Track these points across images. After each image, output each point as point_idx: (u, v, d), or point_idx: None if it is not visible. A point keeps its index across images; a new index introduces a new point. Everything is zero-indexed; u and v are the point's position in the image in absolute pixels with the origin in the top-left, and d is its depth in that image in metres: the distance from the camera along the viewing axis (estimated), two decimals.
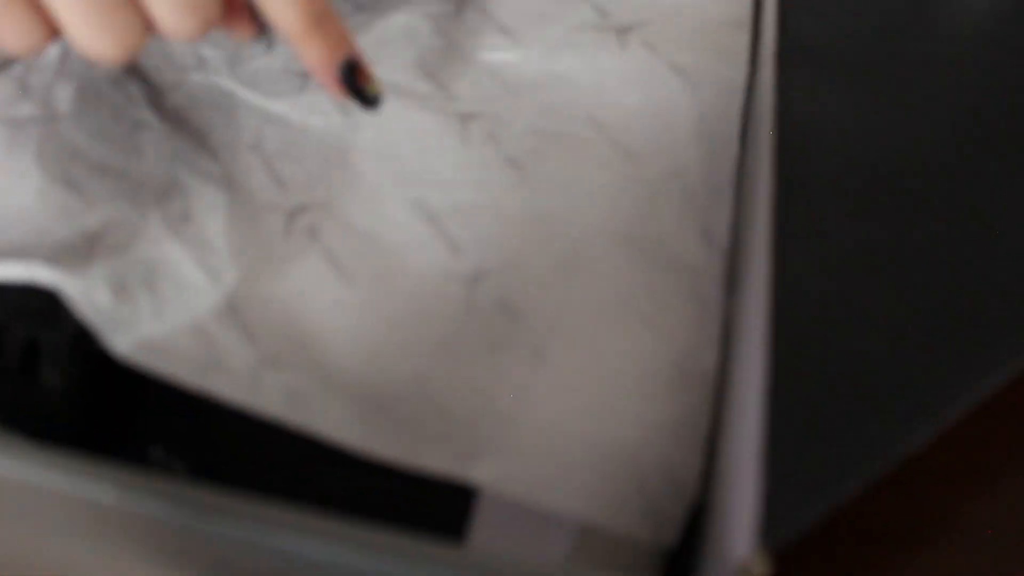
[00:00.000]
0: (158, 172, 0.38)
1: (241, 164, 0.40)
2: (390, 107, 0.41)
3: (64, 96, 0.40)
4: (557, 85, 0.42)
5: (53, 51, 0.41)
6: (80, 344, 0.33)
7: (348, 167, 0.40)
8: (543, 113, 0.41)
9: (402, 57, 0.43)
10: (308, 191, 0.39)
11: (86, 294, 0.32)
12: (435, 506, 0.33)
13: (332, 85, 0.36)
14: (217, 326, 0.34)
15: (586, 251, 0.37)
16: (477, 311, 0.36)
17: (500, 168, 0.39)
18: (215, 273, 0.36)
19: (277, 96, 0.42)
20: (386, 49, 0.43)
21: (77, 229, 0.34)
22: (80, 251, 0.34)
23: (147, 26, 0.31)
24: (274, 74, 0.43)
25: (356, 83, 0.36)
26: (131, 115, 0.40)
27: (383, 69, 0.42)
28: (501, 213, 0.38)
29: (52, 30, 0.31)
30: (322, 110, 0.41)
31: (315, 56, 0.35)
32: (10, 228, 0.34)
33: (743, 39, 0.43)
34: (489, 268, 0.36)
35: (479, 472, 0.30)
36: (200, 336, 0.33)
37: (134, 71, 0.42)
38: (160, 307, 0.33)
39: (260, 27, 0.35)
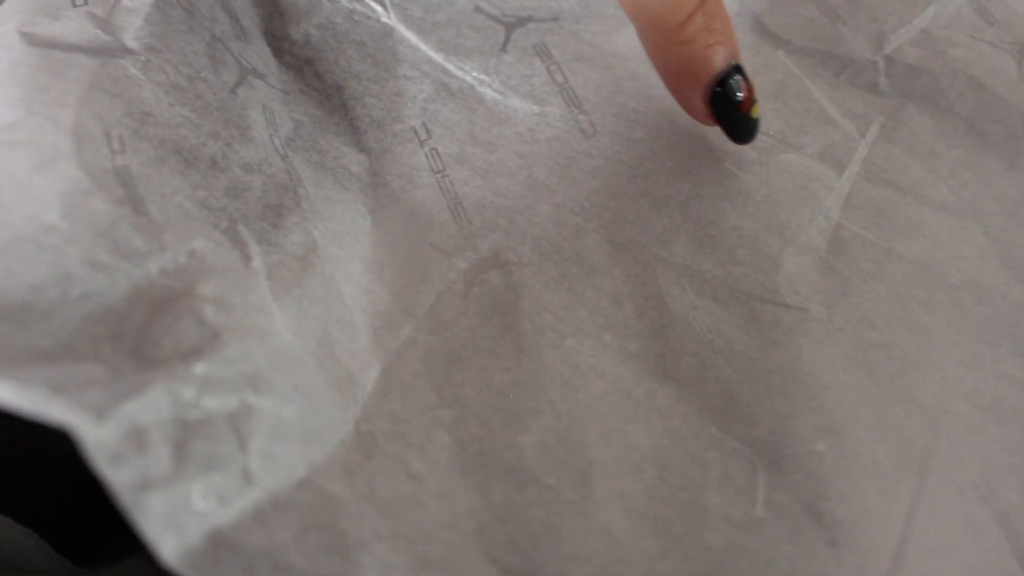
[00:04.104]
0: (272, 168, 0.22)
1: (397, 160, 0.24)
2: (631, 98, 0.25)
3: (134, 11, 0.23)
4: None
5: None
6: None
7: (568, 194, 0.23)
8: None
9: None
10: (503, 231, 0.23)
11: (121, 453, 0.16)
12: None
13: (695, 101, 0.23)
14: (342, 489, 0.18)
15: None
16: (774, 507, 0.20)
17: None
18: (349, 377, 0.20)
19: (462, 53, 0.25)
20: None
21: (127, 284, 0.18)
22: (125, 336, 0.18)
23: None
24: (461, 12, 0.26)
25: (734, 104, 0.22)
26: (235, 54, 0.23)
27: None
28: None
29: None
30: (533, 89, 0.24)
31: (682, 55, 0.22)
32: (4, 262, 0.18)
33: None
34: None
35: None
36: (316, 515, 0.18)
37: None
38: (257, 462, 0.17)
39: None
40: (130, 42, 0.23)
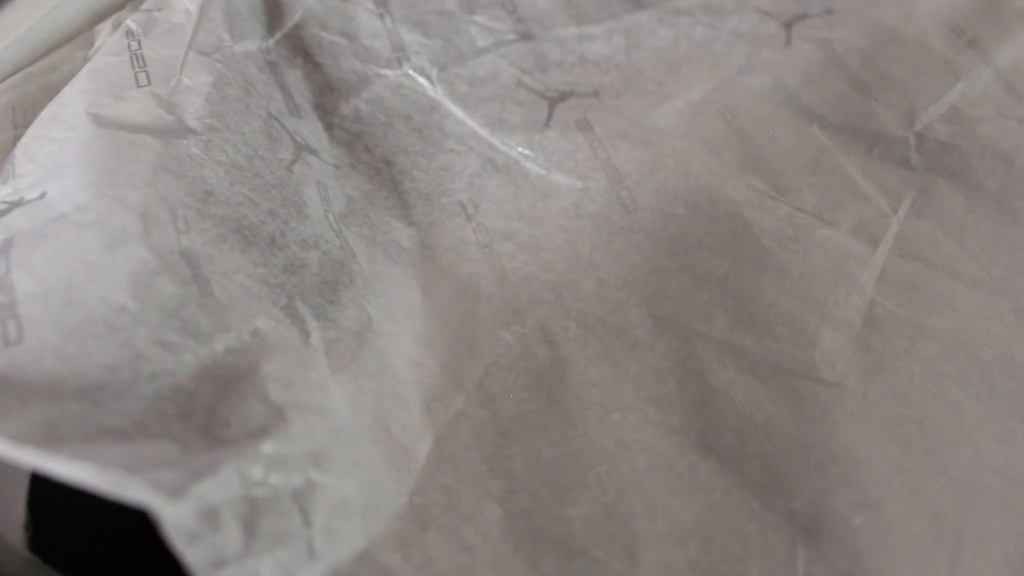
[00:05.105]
0: (327, 244, 0.23)
1: (445, 234, 0.25)
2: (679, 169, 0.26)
3: (195, 91, 0.24)
4: None
5: (182, 4, 0.25)
6: None
7: (611, 269, 0.24)
8: None
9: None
10: (549, 306, 0.24)
11: (197, 532, 0.17)
12: None
13: None
14: (398, 561, 0.19)
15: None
16: None
17: None
18: (403, 450, 0.21)
19: (507, 128, 0.26)
20: None
21: (193, 360, 0.19)
22: (195, 415, 0.19)
23: None
24: (505, 87, 0.27)
25: None
26: (289, 130, 0.24)
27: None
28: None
29: None
30: (576, 165, 0.25)
31: None
32: (78, 342, 0.19)
33: None
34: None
35: None
36: None
37: (298, 50, 0.26)
38: (320, 537, 0.18)
39: None
40: (191, 122, 0.24)
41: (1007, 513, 0.24)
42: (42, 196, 0.23)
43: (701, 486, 0.23)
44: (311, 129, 0.27)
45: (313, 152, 0.26)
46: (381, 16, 0.29)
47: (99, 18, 0.28)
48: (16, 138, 0.24)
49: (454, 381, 0.24)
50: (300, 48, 0.28)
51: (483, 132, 0.28)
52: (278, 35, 0.28)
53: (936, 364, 0.25)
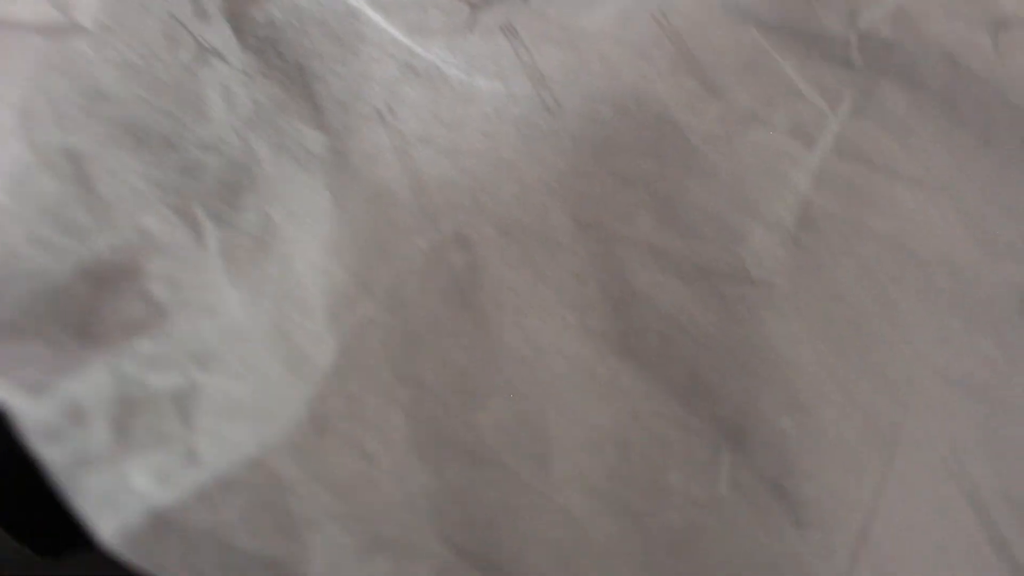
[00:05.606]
0: (229, 147, 0.21)
1: (361, 140, 0.23)
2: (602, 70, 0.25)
3: None
4: None
5: None
6: None
7: (533, 173, 0.23)
8: None
9: None
10: (467, 211, 0.22)
11: (58, 430, 0.16)
12: None
13: None
14: (293, 469, 0.18)
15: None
16: (737, 486, 0.20)
17: None
18: (303, 357, 0.20)
19: (427, 33, 0.24)
20: None
21: (73, 261, 0.18)
22: (70, 314, 0.17)
23: None
24: None
25: None
26: (194, 34, 0.23)
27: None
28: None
29: None
30: (499, 69, 0.24)
31: None
32: None
33: None
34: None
35: None
36: (264, 495, 0.17)
37: None
38: (203, 441, 0.17)
39: None
40: (83, 21, 0.23)
41: (944, 415, 0.23)
42: None
43: (621, 391, 0.22)
44: (218, 33, 0.25)
45: (220, 56, 0.25)
46: None
47: None
48: None
49: (363, 287, 0.23)
50: None
51: (403, 38, 0.26)
52: None
53: (874, 263, 0.24)
